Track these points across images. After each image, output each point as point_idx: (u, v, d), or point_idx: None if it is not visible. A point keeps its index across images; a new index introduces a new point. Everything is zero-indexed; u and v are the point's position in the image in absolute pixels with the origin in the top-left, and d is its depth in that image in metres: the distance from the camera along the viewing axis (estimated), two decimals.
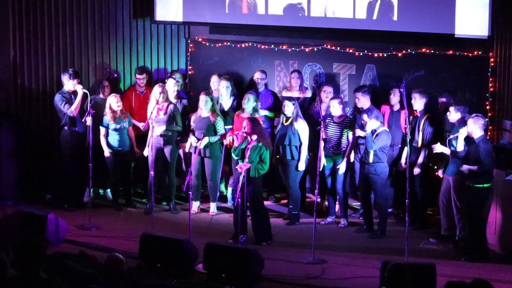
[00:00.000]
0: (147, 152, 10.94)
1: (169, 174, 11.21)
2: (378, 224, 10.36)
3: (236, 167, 9.82)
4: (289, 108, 10.52)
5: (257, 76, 11.43)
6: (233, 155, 10.03)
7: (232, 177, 11.15)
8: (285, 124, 10.57)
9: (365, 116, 10.14)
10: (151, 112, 10.64)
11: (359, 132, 10.18)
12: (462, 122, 9.58)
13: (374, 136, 10.06)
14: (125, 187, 11.56)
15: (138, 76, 11.75)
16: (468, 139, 9.34)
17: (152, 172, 10.31)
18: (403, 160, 10.43)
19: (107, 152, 11.09)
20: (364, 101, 10.63)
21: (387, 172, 10.33)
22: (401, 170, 10.40)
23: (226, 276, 8.47)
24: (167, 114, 10.99)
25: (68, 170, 11.17)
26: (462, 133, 9.33)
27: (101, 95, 11.37)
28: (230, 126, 11.07)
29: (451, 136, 9.57)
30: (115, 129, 11.06)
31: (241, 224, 9.67)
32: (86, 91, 10.93)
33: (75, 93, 11.06)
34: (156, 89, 10.92)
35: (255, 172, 9.75)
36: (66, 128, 11.09)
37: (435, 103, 10.63)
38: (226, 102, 11.32)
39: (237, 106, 11.30)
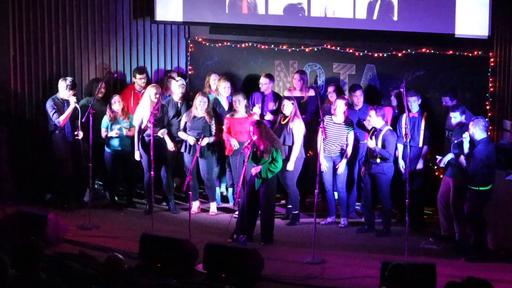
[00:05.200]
0: (138, 155, 10.90)
1: (166, 174, 11.17)
2: (382, 223, 10.36)
3: (252, 171, 9.79)
4: (288, 108, 10.52)
5: (262, 81, 11.29)
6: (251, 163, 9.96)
7: (232, 177, 11.20)
8: (282, 123, 10.58)
9: (373, 112, 10.12)
10: (151, 112, 10.62)
11: (370, 144, 10.14)
12: (464, 125, 9.57)
13: (381, 142, 10.06)
14: (127, 187, 11.57)
15: (139, 76, 11.74)
16: (472, 142, 9.34)
17: (152, 173, 10.31)
18: (401, 162, 10.41)
19: (114, 133, 10.98)
20: (362, 100, 10.75)
21: (393, 171, 10.32)
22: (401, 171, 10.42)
23: (226, 276, 8.47)
24: (162, 115, 10.98)
25: (63, 172, 11.15)
26: (467, 137, 9.32)
27: (99, 95, 11.35)
28: None
29: (456, 141, 9.56)
30: (117, 129, 11.05)
31: (244, 224, 9.70)
32: (77, 106, 10.91)
33: (68, 100, 11.02)
34: (151, 89, 10.91)
35: (266, 173, 9.76)
36: (57, 132, 11.06)
37: (436, 103, 10.65)
38: (225, 102, 11.32)
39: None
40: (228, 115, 10.91)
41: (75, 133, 10.77)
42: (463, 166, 9.29)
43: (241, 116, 10.78)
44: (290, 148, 10.51)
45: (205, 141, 10.70)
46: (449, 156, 9.60)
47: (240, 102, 10.79)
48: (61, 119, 10.94)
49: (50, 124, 11.10)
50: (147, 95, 10.95)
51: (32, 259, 5.46)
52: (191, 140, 10.74)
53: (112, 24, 12.22)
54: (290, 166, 10.51)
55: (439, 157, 9.68)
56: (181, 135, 10.96)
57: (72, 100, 10.95)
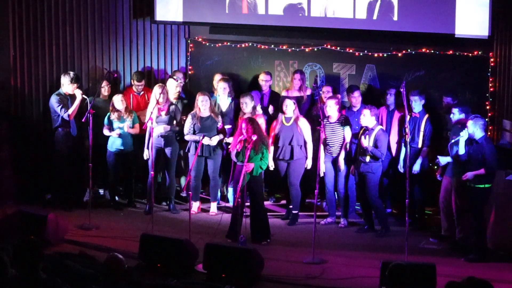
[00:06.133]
0: (146, 154, 10.92)
1: (169, 174, 11.20)
2: (379, 223, 10.37)
3: (245, 168, 9.78)
4: (290, 108, 10.52)
5: (262, 78, 11.40)
6: (235, 159, 10.01)
7: (232, 177, 11.19)
8: (287, 124, 10.56)
9: (367, 111, 10.12)
10: (151, 112, 10.64)
11: (364, 142, 10.14)
12: (462, 125, 9.56)
13: (373, 141, 10.07)
14: (127, 187, 11.58)
15: (137, 83, 11.76)
16: (469, 141, 9.33)
17: (152, 172, 10.31)
18: (401, 163, 10.42)
19: (115, 134, 11.01)
20: (360, 101, 10.77)
21: (381, 171, 10.34)
22: (401, 172, 10.42)
23: (226, 276, 8.47)
24: (169, 115, 10.98)
25: (64, 171, 11.16)
26: (463, 136, 9.31)
27: (101, 96, 11.35)
28: (229, 126, 11.08)
29: (452, 141, 9.56)
30: (119, 128, 11.06)
31: (240, 224, 9.70)
32: (85, 97, 10.94)
33: (72, 95, 11.06)
34: (156, 89, 10.92)
35: (257, 171, 9.77)
36: (60, 129, 11.08)
37: (436, 103, 10.65)
38: (224, 103, 11.32)
39: (237, 107, 11.33)
40: (240, 114, 10.91)
41: (83, 119, 10.66)
42: (478, 175, 9.27)
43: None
44: (300, 147, 10.50)
45: (216, 138, 10.73)
46: (447, 159, 9.60)
47: (247, 104, 10.73)
48: (70, 112, 10.97)
49: (54, 120, 11.11)
50: (152, 94, 10.97)
51: (32, 259, 5.46)
52: (206, 140, 10.70)
53: (112, 24, 12.22)
54: (310, 164, 10.53)
55: (440, 157, 9.68)
56: (190, 137, 10.94)
57: (79, 92, 10.98)
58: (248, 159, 9.74)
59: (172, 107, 11.05)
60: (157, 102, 10.81)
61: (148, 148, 10.89)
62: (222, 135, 10.91)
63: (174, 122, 11.04)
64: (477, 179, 9.23)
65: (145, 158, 10.98)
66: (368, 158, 10.15)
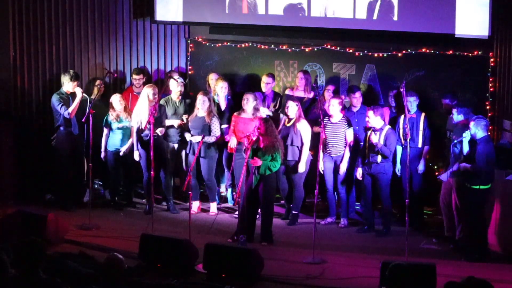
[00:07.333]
0: (137, 155, 10.93)
1: (164, 175, 11.17)
2: (382, 223, 10.37)
3: (250, 161, 9.77)
4: (292, 109, 10.50)
5: (264, 80, 11.35)
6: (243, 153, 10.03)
7: (229, 177, 11.23)
8: (288, 125, 10.55)
9: (371, 112, 10.10)
10: (151, 113, 10.62)
11: (373, 138, 10.11)
12: (465, 125, 9.56)
13: (383, 140, 10.05)
14: (127, 187, 11.58)
15: (135, 76, 11.77)
16: (472, 141, 9.33)
17: (152, 172, 10.30)
18: (397, 166, 10.41)
19: (102, 154, 11.14)
20: (360, 101, 10.77)
21: (392, 171, 10.33)
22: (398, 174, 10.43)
23: (226, 276, 8.47)
24: (159, 115, 10.92)
25: (64, 170, 11.17)
26: (466, 137, 9.32)
27: (93, 95, 11.34)
28: (226, 125, 11.07)
29: (455, 141, 9.56)
30: (118, 128, 11.08)
31: (244, 224, 9.70)
32: (85, 95, 10.96)
33: (73, 94, 11.08)
34: (148, 90, 10.89)
35: (264, 170, 9.76)
36: (61, 128, 11.09)
37: (436, 103, 10.65)
38: (223, 102, 11.32)
39: (234, 106, 11.32)
40: (236, 113, 10.91)
41: (82, 120, 10.70)
42: (466, 169, 9.27)
43: (247, 116, 10.75)
44: (298, 148, 10.48)
45: (195, 138, 10.70)
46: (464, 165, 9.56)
47: (249, 102, 10.72)
48: (70, 110, 10.98)
49: (56, 119, 11.12)
50: (144, 95, 10.94)
51: (34, 258, 5.47)
52: (188, 136, 10.74)
53: (112, 24, 12.23)
54: (302, 168, 10.48)
55: (442, 174, 9.65)
56: (186, 136, 10.99)
57: (79, 90, 11.00)
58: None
59: (162, 107, 11.02)
60: (155, 102, 10.77)
61: (138, 149, 10.90)
62: (213, 138, 10.83)
63: (159, 122, 11.01)
64: (474, 180, 9.23)
65: (136, 159, 10.98)
66: (379, 158, 10.10)
